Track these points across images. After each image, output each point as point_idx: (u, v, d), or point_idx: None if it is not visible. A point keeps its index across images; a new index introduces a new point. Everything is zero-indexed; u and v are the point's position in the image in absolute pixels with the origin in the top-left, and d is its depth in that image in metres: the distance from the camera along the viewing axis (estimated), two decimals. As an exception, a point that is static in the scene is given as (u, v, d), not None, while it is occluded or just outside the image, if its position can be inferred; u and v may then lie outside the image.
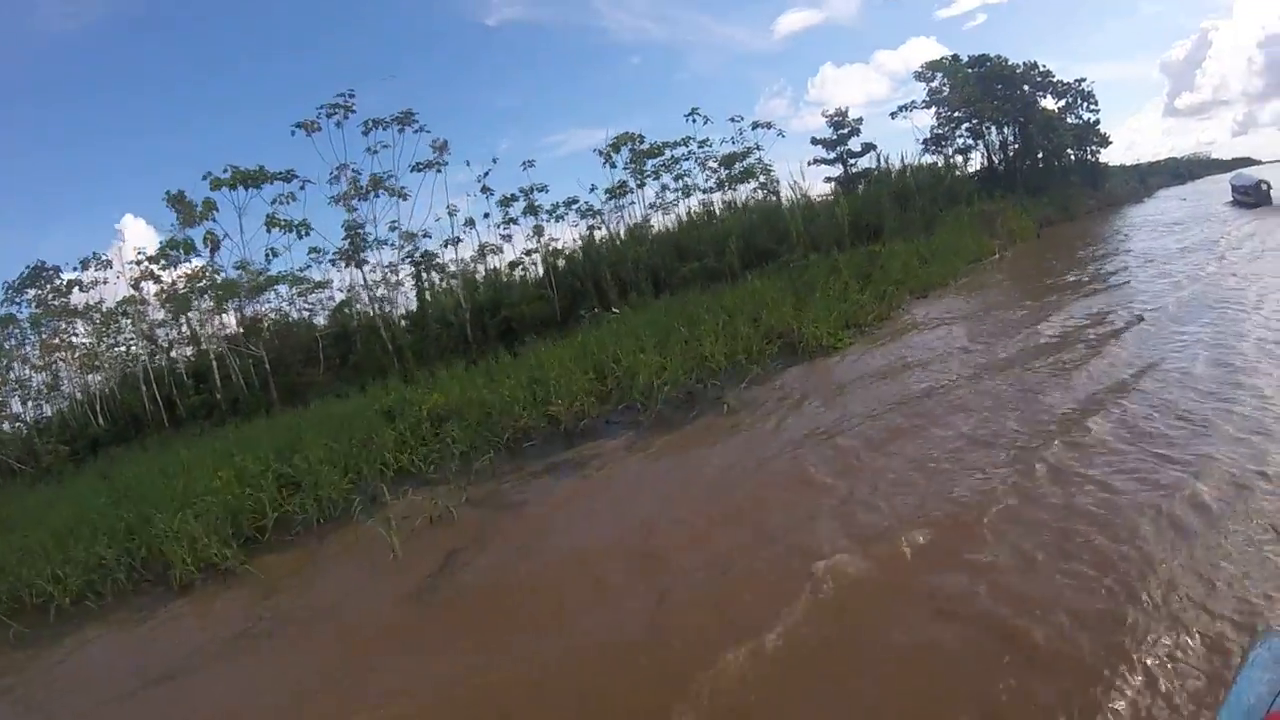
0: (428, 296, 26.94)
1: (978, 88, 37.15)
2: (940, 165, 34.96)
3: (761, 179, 29.79)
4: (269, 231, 22.19)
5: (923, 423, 8.73)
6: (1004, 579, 5.04)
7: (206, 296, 24.57)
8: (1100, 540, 5.28)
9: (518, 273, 27.52)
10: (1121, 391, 8.61)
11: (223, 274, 24.18)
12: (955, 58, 39.00)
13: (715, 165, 29.82)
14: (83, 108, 67.78)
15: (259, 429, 15.77)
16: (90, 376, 26.95)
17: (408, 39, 74.94)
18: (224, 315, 25.64)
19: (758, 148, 29.86)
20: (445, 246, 27.07)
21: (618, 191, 28.34)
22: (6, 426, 26.62)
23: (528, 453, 10.80)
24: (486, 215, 27.93)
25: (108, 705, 6.40)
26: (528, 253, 27.70)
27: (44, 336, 26.53)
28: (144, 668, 6.90)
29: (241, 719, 5.62)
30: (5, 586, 9.30)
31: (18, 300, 26.26)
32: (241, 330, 25.08)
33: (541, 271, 25.92)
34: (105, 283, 26.39)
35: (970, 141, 40.08)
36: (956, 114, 38.77)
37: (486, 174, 26.79)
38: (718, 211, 28.96)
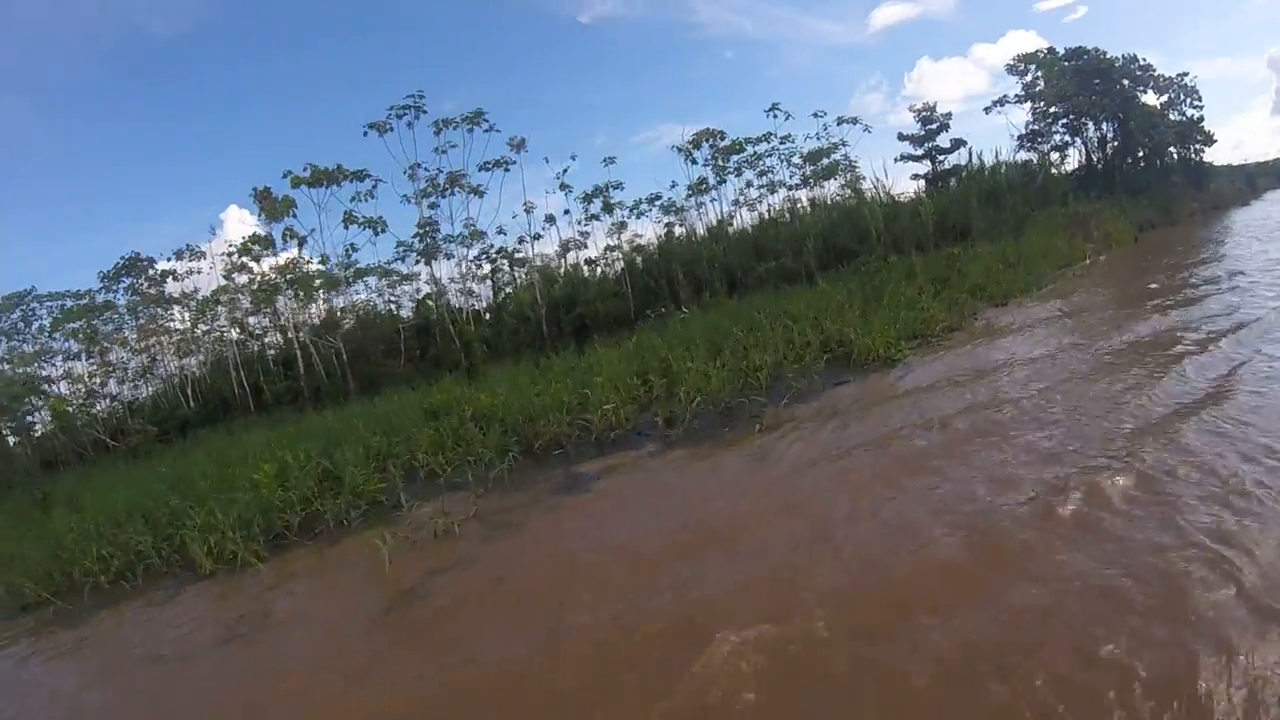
0: (508, 291, 27.42)
1: (1073, 82, 35.13)
2: (1034, 163, 33.14)
3: (846, 176, 28.89)
4: (346, 228, 23.04)
5: (947, 455, 7.65)
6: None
7: (295, 288, 25.36)
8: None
9: (595, 270, 27.78)
10: (1196, 415, 7.28)
11: (315, 264, 25.53)
12: (1050, 50, 36.88)
13: (800, 161, 29.20)
14: (190, 106, 71.30)
15: (323, 420, 16.23)
16: (184, 361, 28.26)
17: (502, 38, 75.86)
18: (312, 306, 26.57)
19: (843, 144, 29.12)
20: (521, 243, 27.60)
21: (699, 188, 28.05)
22: (102, 406, 28.01)
23: (553, 461, 10.44)
24: (567, 212, 28.20)
25: (93, 681, 7.16)
26: (610, 249, 27.84)
27: (141, 322, 27.74)
28: (135, 650, 7.43)
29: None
30: (59, 565, 9.91)
31: (114, 288, 27.49)
32: (319, 322, 25.98)
33: (619, 269, 26.02)
34: (199, 273, 27.55)
35: (1067, 139, 38.02)
36: (1052, 109, 36.71)
37: (565, 171, 26.91)
38: (802, 209, 28.27)
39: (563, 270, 28.26)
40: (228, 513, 9.69)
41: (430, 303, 25.99)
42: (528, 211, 26.54)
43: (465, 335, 22.73)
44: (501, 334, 22.84)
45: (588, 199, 27.20)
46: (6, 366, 27.67)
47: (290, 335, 25.78)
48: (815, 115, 29.32)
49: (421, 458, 10.92)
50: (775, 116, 27.94)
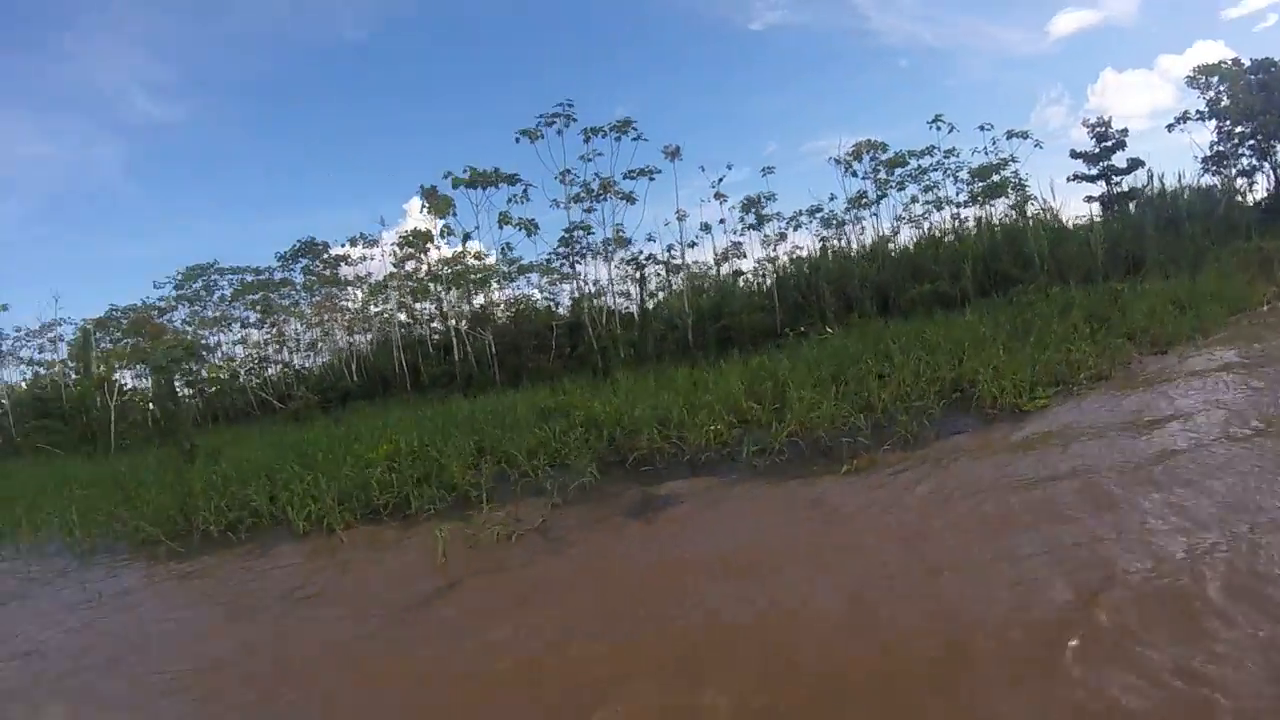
0: (660, 297, 27.87)
1: (1260, 97, 30.62)
2: (1218, 189, 29.77)
3: (1015, 195, 26.96)
4: (500, 228, 23.87)
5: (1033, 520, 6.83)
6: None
7: (455, 281, 26.82)
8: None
9: (745, 281, 27.61)
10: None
11: (486, 258, 26.96)
12: (1235, 62, 33.48)
13: (967, 177, 27.41)
14: (374, 103, 77.12)
15: (459, 407, 16.88)
16: (353, 338, 30.42)
17: (672, 47, 76.32)
18: (478, 297, 27.91)
19: (1012, 159, 26.99)
20: (670, 250, 27.76)
21: (858, 202, 27.25)
22: (273, 371, 30.73)
23: (641, 477, 10.36)
24: (722, 221, 28.07)
25: (172, 609, 8.53)
26: (770, 260, 27.40)
27: (317, 299, 29.76)
28: (215, 592, 8.78)
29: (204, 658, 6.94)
30: (181, 511, 11.42)
31: (290, 268, 29.68)
32: (472, 314, 27.15)
33: (769, 282, 25.56)
34: (372, 259, 29.40)
35: (1254, 162, 33.11)
36: (1238, 129, 33.70)
37: (720, 179, 26.70)
38: (966, 229, 26.80)
39: (713, 280, 28.23)
40: (333, 484, 10.87)
41: (585, 303, 26.42)
42: (680, 219, 26.43)
43: (611, 338, 23.16)
44: (647, 339, 22.96)
45: (746, 208, 26.89)
46: (189, 328, 30.26)
47: (450, 324, 26.96)
48: (981, 128, 27.26)
49: (521, 457, 11.24)
50: (938, 128, 26.43)
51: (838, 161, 26.78)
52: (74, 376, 30.05)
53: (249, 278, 30.68)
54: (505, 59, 79.55)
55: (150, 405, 28.43)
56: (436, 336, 27.90)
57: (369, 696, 5.75)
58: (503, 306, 28.58)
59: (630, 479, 10.37)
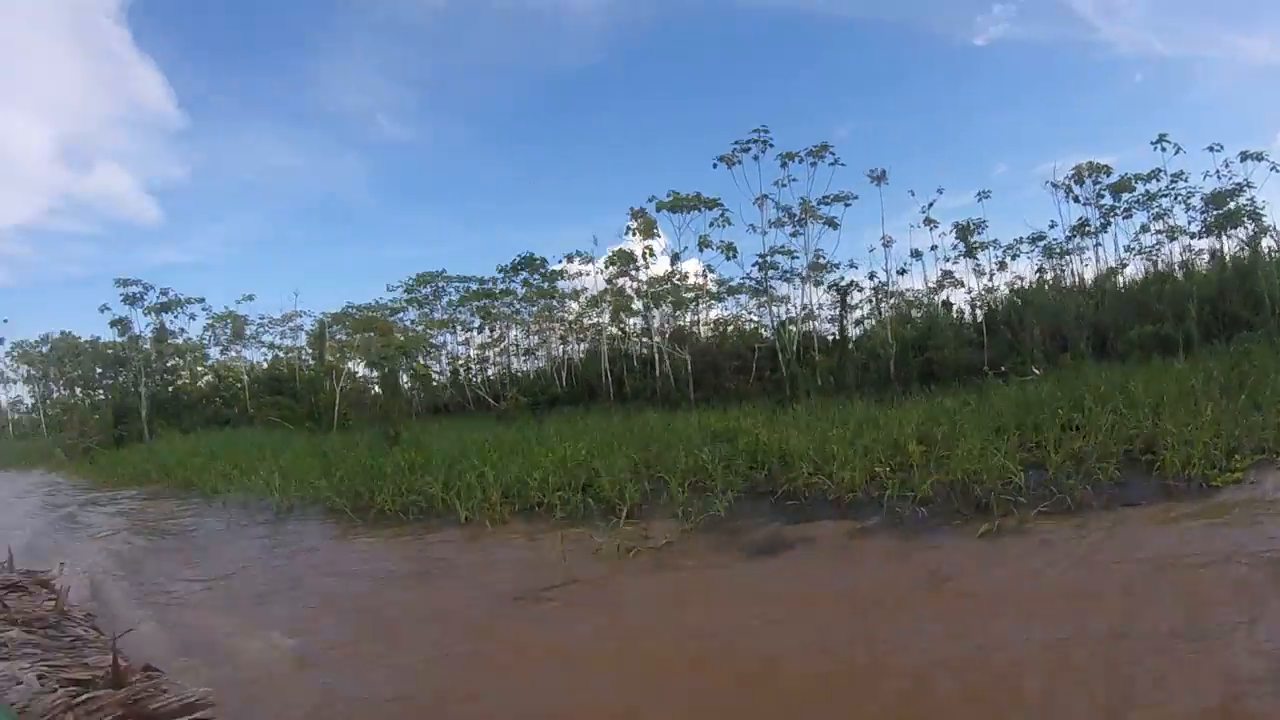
0: (866, 325, 27.59)
1: None
2: None
3: (1250, 226, 23.86)
4: (700, 250, 24.51)
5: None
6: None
7: (657, 298, 27.40)
8: None
9: (956, 312, 26.61)
10: None
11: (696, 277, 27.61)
12: None
13: (1200, 204, 24.59)
14: (594, 126, 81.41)
15: (643, 421, 17.56)
16: (566, 347, 32.14)
17: (890, 66, 74.59)
18: (682, 315, 28.63)
19: (1247, 184, 23.85)
20: (871, 278, 27.63)
21: (1081, 230, 25.45)
22: (493, 372, 33.18)
23: (783, 513, 10.27)
24: (933, 248, 27.34)
25: (336, 567, 10.21)
26: (987, 290, 26.38)
27: (536, 310, 31.91)
28: (369, 559, 10.41)
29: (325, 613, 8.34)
30: (367, 489, 13.40)
31: (512, 279, 31.65)
32: (672, 332, 27.86)
33: (980, 315, 24.73)
34: (586, 274, 30.72)
35: None
36: None
37: (930, 204, 26.03)
38: (1199, 262, 24.40)
39: (919, 310, 27.45)
40: (499, 481, 12.10)
41: (792, 327, 26.30)
42: (885, 245, 26.10)
43: (810, 365, 23.08)
44: (846, 368, 22.55)
45: (961, 234, 25.78)
46: (418, 328, 33.14)
47: (654, 339, 27.75)
48: (1210, 149, 24.45)
49: (673, 479, 11.58)
50: (1163, 149, 24.15)
51: (1055, 185, 25.37)
52: (310, 362, 33.28)
53: (473, 286, 32.95)
54: (721, 84, 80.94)
55: (375, 392, 31.31)
56: (644, 351, 28.81)
57: (460, 649, 7.01)
58: (711, 326, 29.30)
59: (771, 513, 10.38)
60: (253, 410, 30.73)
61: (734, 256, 24.25)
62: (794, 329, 25.94)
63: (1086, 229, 25.63)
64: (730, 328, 28.72)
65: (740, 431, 13.52)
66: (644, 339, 29.33)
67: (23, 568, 6.65)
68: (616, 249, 27.46)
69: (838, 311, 26.78)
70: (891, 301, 27.74)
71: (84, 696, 2.87)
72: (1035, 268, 26.78)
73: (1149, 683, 5.16)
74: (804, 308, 26.84)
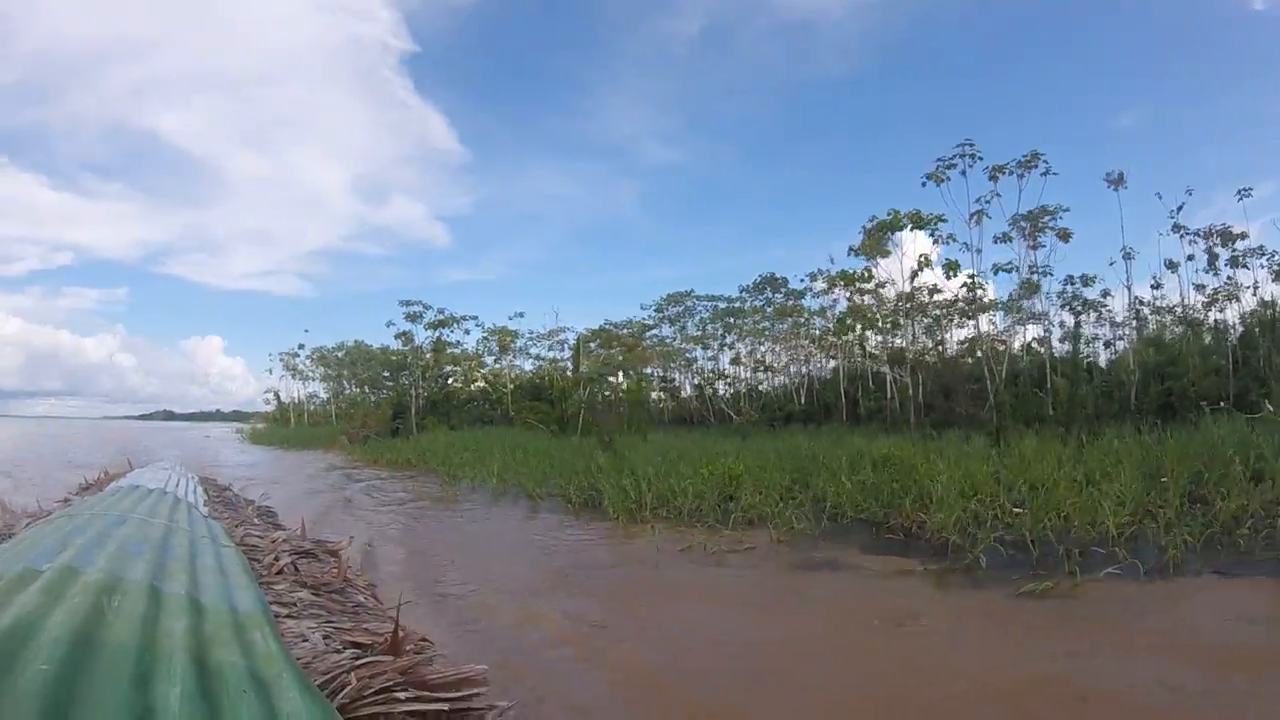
0: (1116, 348, 26.31)
1: None
2: None
3: None
4: (920, 269, 24.04)
5: None
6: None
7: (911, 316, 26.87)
8: None
9: (1208, 335, 23.75)
10: None
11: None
12: None
13: None
14: (854, 138, 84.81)
15: (842, 441, 17.44)
16: (807, 366, 33.21)
17: (1172, 42, 68.65)
18: (935, 333, 28.44)
19: None
20: (1105, 296, 25.99)
21: None
22: (737, 388, 35.25)
23: (890, 547, 9.86)
24: (1191, 258, 24.42)
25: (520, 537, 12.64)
26: (1256, 310, 23.14)
27: (784, 328, 33.25)
28: (534, 534, 12.55)
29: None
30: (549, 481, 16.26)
31: (755, 298, 33.50)
32: (888, 353, 27.99)
33: (1234, 337, 22.26)
34: (825, 293, 30.76)
35: None
36: None
37: (1179, 209, 23.42)
38: None
39: (1166, 332, 25.10)
40: (653, 488, 13.34)
41: (1038, 349, 25.25)
42: (1126, 258, 24.14)
43: (1037, 393, 21.49)
44: (1076, 397, 20.36)
45: (1223, 241, 22.92)
46: (670, 344, 36.52)
47: (882, 361, 28.04)
48: None
49: (778, 499, 11.89)
50: None
51: None
52: (569, 372, 37.00)
53: (721, 305, 35.15)
54: (983, 80, 79.75)
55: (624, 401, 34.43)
56: (884, 372, 28.38)
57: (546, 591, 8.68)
58: (954, 347, 28.54)
59: (875, 548, 10.01)
60: (513, 413, 34.15)
61: (956, 274, 23.41)
62: (1049, 351, 24.80)
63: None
64: (968, 349, 27.33)
65: (899, 461, 12.98)
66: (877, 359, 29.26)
67: (312, 536, 6.98)
68: (839, 270, 27.04)
69: (1074, 333, 25.67)
70: (1133, 324, 26.01)
71: (365, 660, 2.98)
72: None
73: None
74: (1045, 329, 25.84)
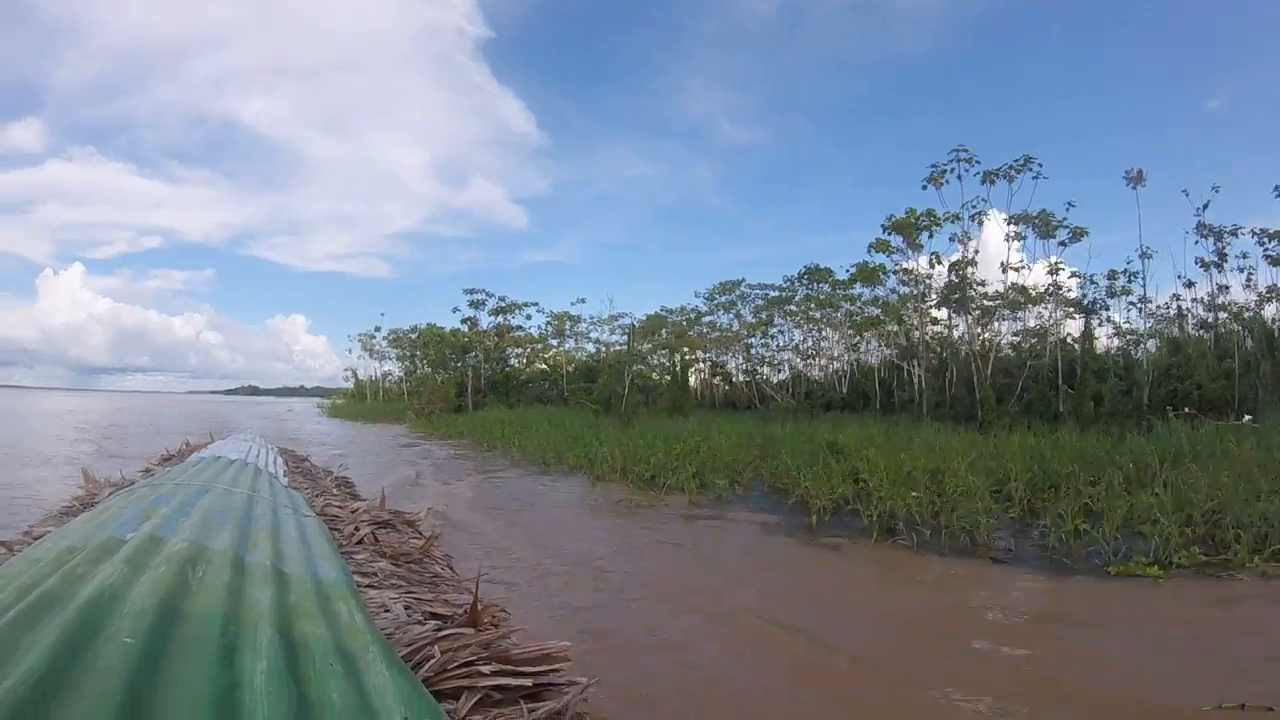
0: (1144, 351, 25.88)
1: None
2: None
3: None
4: (932, 266, 25.57)
5: None
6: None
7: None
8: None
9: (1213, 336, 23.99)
10: None
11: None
12: None
13: None
14: (931, 120, 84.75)
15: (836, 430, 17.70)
16: (855, 354, 34.29)
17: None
18: (987, 326, 28.19)
19: None
20: (1116, 295, 26.10)
21: None
22: (784, 375, 36.86)
23: (788, 511, 11.65)
24: (1223, 257, 24.14)
25: (524, 498, 14.54)
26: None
27: (825, 314, 34.18)
28: (533, 488, 15.45)
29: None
30: (564, 451, 18.66)
31: (804, 288, 34.28)
32: (899, 348, 29.36)
33: (1247, 342, 22.21)
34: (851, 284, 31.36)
35: None
36: None
37: (1205, 206, 23.49)
38: None
39: (1180, 331, 25.27)
40: (629, 456, 15.97)
41: (1074, 346, 25.49)
42: (1144, 258, 24.41)
43: (983, 388, 22.68)
44: (1084, 395, 21.18)
45: (1217, 237, 23.20)
46: (721, 330, 38.16)
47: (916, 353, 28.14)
48: None
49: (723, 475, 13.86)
50: None
51: None
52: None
53: (772, 293, 36.17)
54: (1067, 53, 79.00)
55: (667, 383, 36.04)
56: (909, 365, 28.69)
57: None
58: (1017, 338, 28.59)
59: (762, 509, 12.06)
60: (567, 394, 36.54)
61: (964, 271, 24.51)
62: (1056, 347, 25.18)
63: None
64: (991, 344, 27.13)
65: (850, 450, 13.77)
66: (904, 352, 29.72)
67: (392, 507, 6.69)
68: (859, 265, 28.47)
69: (1082, 333, 25.77)
70: (1149, 324, 26.29)
71: (447, 632, 2.91)
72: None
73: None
74: (1055, 324, 26.51)
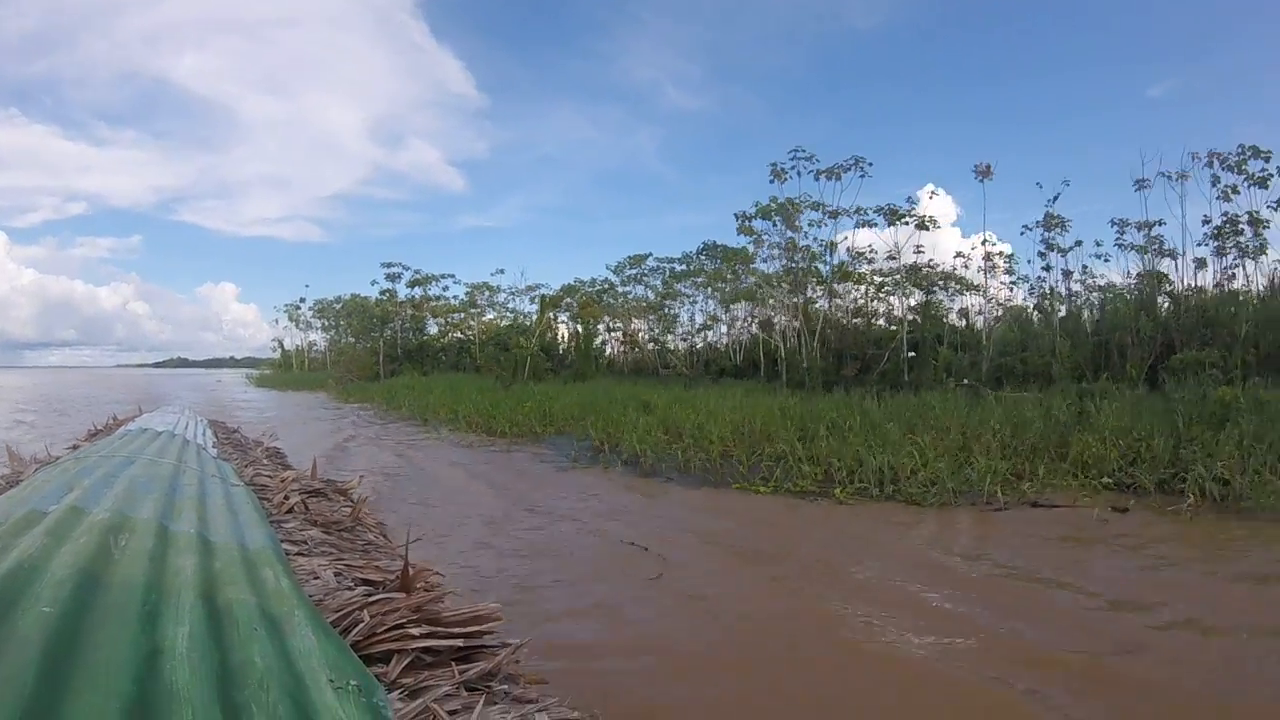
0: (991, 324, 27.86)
1: None
2: None
3: None
4: (790, 254, 28.38)
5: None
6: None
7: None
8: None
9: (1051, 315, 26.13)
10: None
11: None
12: None
13: None
14: (877, 93, 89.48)
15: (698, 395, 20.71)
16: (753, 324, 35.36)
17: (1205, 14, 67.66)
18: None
19: None
20: (949, 280, 28.16)
21: (1231, 230, 22.31)
22: (683, 344, 39.48)
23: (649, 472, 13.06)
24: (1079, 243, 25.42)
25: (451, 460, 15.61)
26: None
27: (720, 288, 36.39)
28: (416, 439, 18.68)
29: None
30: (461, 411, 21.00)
31: (703, 262, 36.62)
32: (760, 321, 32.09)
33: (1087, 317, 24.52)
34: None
35: None
36: None
37: (1055, 199, 24.56)
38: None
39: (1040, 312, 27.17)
40: (523, 413, 19.03)
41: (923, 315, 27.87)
42: (985, 245, 26.43)
43: (791, 360, 25.85)
44: (924, 366, 23.91)
45: (1048, 227, 24.96)
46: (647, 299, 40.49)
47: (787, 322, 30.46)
48: None
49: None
50: None
51: (1169, 177, 22.79)
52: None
53: (677, 267, 38.56)
54: (1016, 38, 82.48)
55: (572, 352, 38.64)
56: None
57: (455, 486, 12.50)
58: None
59: (575, 454, 14.78)
60: (479, 362, 38.74)
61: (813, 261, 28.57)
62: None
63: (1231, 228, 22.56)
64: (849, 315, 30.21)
65: (652, 405, 17.49)
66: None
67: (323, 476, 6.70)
68: (724, 248, 33.44)
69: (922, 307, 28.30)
70: (982, 302, 27.89)
71: (377, 597, 2.88)
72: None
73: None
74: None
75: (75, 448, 8.00)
